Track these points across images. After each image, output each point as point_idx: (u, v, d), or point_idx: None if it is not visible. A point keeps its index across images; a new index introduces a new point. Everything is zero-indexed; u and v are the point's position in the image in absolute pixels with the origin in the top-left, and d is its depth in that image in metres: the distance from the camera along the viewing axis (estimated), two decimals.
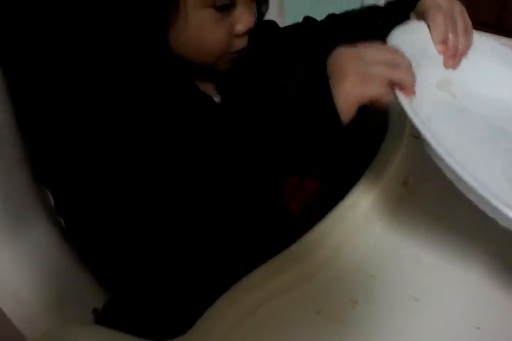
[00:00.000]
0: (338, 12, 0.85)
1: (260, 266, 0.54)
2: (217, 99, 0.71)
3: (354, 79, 0.53)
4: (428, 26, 0.68)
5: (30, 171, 0.61)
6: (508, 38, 0.92)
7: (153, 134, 0.54)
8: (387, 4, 0.80)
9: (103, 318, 0.62)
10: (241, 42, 0.66)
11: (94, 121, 0.54)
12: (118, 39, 0.57)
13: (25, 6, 0.57)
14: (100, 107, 0.55)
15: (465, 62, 0.69)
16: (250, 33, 0.66)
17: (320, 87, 0.53)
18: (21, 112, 0.59)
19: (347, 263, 0.57)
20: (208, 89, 0.70)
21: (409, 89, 0.54)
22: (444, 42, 0.67)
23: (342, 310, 0.53)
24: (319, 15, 0.85)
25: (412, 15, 0.73)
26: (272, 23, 0.84)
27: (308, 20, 0.85)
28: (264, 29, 0.79)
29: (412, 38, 0.64)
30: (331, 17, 0.85)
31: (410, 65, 0.55)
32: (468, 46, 0.68)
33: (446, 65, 0.68)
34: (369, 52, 0.55)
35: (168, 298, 0.60)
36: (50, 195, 0.63)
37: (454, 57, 0.67)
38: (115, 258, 0.61)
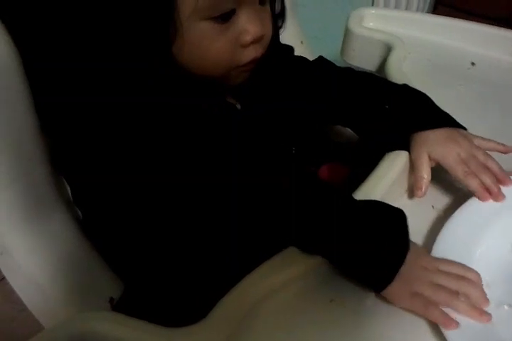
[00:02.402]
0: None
1: (272, 257, 0.55)
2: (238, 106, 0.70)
3: (418, 299, 0.52)
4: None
5: (50, 163, 0.62)
6: None
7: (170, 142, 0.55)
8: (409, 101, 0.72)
9: (120, 307, 0.63)
10: (251, 53, 0.62)
11: (105, 118, 0.55)
12: (127, 58, 0.57)
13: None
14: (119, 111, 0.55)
15: None
16: (265, 42, 0.63)
17: (399, 248, 0.52)
18: (42, 105, 0.60)
19: None
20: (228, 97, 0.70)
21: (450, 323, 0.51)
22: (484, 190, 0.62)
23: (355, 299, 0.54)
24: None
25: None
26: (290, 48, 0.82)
27: (322, 61, 0.82)
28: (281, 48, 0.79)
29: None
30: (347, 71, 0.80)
31: (483, 293, 0.53)
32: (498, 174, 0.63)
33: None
34: (445, 275, 0.53)
35: (183, 286, 0.61)
36: (68, 186, 0.64)
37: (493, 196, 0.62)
38: (131, 248, 0.62)
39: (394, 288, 0.52)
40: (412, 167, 0.66)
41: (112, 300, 0.64)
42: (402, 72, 0.87)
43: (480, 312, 0.52)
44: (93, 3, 0.54)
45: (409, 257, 0.53)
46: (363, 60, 0.99)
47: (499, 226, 0.61)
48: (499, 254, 0.59)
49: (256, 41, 0.61)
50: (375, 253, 0.52)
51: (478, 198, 0.62)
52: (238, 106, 0.71)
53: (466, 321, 0.51)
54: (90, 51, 0.56)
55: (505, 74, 0.93)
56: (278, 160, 0.65)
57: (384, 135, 0.69)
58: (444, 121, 0.68)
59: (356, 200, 0.57)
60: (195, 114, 0.60)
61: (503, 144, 0.67)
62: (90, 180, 0.58)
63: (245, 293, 0.52)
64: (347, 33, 1.03)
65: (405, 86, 0.75)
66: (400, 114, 0.69)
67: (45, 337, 0.48)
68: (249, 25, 0.60)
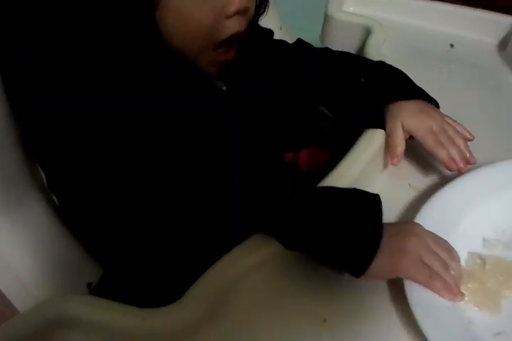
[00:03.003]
0: None
1: (248, 238, 0.55)
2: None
3: (412, 260, 0.52)
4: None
5: (23, 148, 0.61)
6: None
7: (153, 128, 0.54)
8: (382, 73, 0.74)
9: (98, 292, 0.63)
10: (234, 25, 0.61)
11: (98, 116, 0.54)
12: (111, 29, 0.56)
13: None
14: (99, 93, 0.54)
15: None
16: (249, 16, 0.63)
17: (371, 237, 0.52)
18: (12, 92, 0.59)
19: None
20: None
21: (452, 293, 0.52)
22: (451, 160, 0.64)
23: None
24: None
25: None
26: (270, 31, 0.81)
27: (301, 43, 0.82)
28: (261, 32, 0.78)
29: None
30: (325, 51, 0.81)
31: (460, 272, 0.54)
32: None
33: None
34: (435, 243, 0.54)
35: (161, 270, 0.61)
36: (42, 172, 0.64)
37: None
38: (108, 233, 0.61)
39: (390, 263, 0.52)
40: (387, 137, 0.67)
41: (89, 285, 0.63)
42: (381, 55, 0.87)
43: (459, 289, 0.53)
44: None
45: (404, 227, 0.55)
46: (343, 44, 0.99)
47: (476, 213, 0.61)
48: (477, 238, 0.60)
49: (240, 13, 0.61)
50: (349, 241, 0.52)
51: (446, 167, 0.64)
52: (224, 88, 0.71)
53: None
54: (91, 47, 0.55)
55: (484, 55, 0.94)
56: (269, 154, 0.66)
57: (360, 111, 0.69)
58: (417, 93, 0.69)
59: (329, 189, 0.57)
60: (195, 113, 0.60)
61: (469, 132, 0.68)
62: (64, 163, 0.57)
63: (220, 274, 0.52)
64: (326, 17, 1.03)
65: (381, 62, 0.76)
66: (375, 87, 0.70)
67: (21, 320, 0.48)
68: None
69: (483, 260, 0.57)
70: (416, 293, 0.51)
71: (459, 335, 0.50)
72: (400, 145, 0.66)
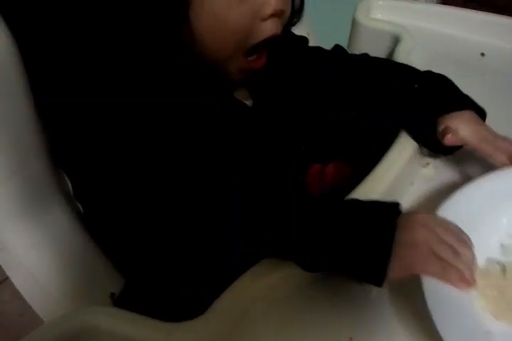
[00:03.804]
0: None
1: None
2: (248, 102, 0.69)
3: (422, 254, 0.51)
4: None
5: (49, 156, 0.61)
6: None
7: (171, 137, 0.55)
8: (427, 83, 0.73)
9: (120, 303, 0.63)
10: (269, 28, 0.60)
11: (109, 116, 0.54)
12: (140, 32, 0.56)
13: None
14: (120, 101, 0.54)
15: None
16: (284, 19, 0.62)
17: (383, 240, 0.50)
18: (45, 104, 0.59)
19: None
20: (241, 92, 0.69)
21: (466, 283, 0.51)
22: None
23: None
24: None
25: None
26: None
27: (338, 49, 0.81)
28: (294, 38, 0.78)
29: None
30: (364, 58, 0.80)
31: (474, 257, 0.53)
32: None
33: None
34: (445, 231, 0.52)
35: (183, 281, 0.61)
36: (68, 181, 0.64)
37: None
38: (132, 243, 0.61)
39: (403, 258, 0.50)
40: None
41: (113, 295, 0.63)
42: (410, 63, 0.85)
43: (471, 277, 0.51)
44: None
45: (412, 218, 0.53)
46: (371, 51, 0.95)
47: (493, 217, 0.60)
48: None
49: (276, 15, 0.60)
50: (363, 249, 0.51)
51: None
52: (249, 103, 0.69)
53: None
54: (95, 47, 0.55)
55: None
56: (281, 160, 0.64)
57: (416, 118, 0.69)
58: (470, 104, 0.69)
59: (344, 202, 0.56)
60: (198, 113, 0.59)
61: None
62: (91, 177, 0.57)
63: (244, 290, 0.51)
64: (354, 24, 1.01)
65: (429, 72, 0.75)
66: (430, 98, 0.69)
67: (44, 331, 0.48)
68: None
69: (502, 266, 0.55)
70: (434, 300, 0.49)
71: None
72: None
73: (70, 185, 0.64)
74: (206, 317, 0.49)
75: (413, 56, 0.90)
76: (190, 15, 0.56)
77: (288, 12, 0.63)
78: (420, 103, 0.69)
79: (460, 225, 0.54)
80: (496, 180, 0.62)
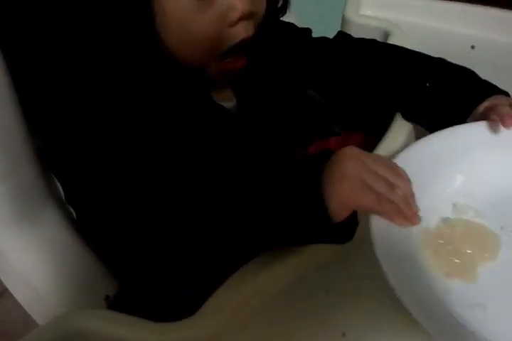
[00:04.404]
0: None
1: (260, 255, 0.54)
2: (232, 103, 0.68)
3: (353, 185, 0.49)
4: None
5: (40, 162, 0.61)
6: None
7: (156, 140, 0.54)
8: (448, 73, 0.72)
9: (116, 305, 0.63)
10: (239, 33, 0.59)
11: (101, 117, 0.54)
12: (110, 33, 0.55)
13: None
14: (105, 105, 0.54)
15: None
16: (257, 20, 0.60)
17: (313, 184, 0.49)
18: (40, 105, 0.59)
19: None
20: (224, 93, 0.68)
21: (404, 217, 0.49)
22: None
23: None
24: None
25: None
26: (291, 25, 0.79)
27: (343, 36, 0.80)
28: (280, 28, 0.76)
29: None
30: (372, 43, 0.79)
31: (411, 191, 0.51)
32: None
33: None
34: (375, 163, 0.50)
35: (177, 283, 0.61)
36: (60, 185, 0.64)
37: None
38: (125, 246, 0.61)
39: (336, 192, 0.49)
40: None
41: (107, 298, 0.63)
42: None
43: (412, 211, 0.49)
44: None
45: (340, 153, 0.51)
46: None
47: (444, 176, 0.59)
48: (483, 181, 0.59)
49: (244, 18, 0.58)
50: (299, 202, 0.49)
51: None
52: (231, 104, 0.69)
53: None
54: (90, 47, 0.55)
55: (506, 56, 0.91)
56: (276, 159, 0.64)
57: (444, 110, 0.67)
58: (496, 90, 0.68)
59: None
60: (195, 113, 0.59)
61: None
62: (85, 180, 0.57)
63: (234, 289, 0.51)
64: (344, 21, 1.02)
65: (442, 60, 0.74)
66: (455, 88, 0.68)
67: (37, 334, 0.48)
68: (234, 0, 0.56)
69: (452, 225, 0.55)
70: (386, 257, 0.47)
71: (435, 308, 0.47)
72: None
73: (61, 189, 0.64)
74: (198, 316, 0.49)
75: None
76: (156, 24, 0.56)
77: (261, 10, 0.62)
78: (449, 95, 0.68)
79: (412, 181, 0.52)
80: (454, 133, 0.62)
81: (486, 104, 0.65)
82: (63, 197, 0.65)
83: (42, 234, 0.61)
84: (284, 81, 0.73)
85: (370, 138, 0.79)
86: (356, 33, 0.99)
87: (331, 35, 1.03)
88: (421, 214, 0.51)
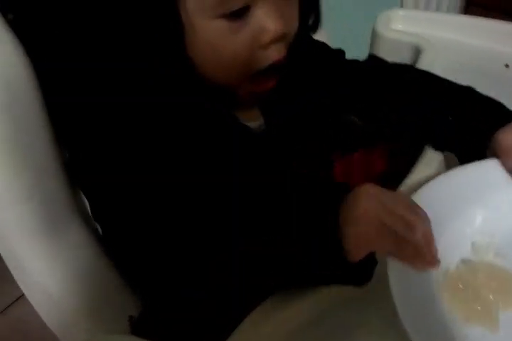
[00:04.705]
0: None
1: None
2: (258, 122, 0.67)
3: (370, 226, 0.47)
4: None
5: (67, 177, 0.61)
6: None
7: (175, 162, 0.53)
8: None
9: (139, 326, 0.62)
10: (272, 55, 0.57)
11: (125, 137, 0.53)
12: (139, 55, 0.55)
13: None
14: (130, 124, 0.53)
15: None
16: (288, 41, 0.58)
17: (330, 224, 0.48)
18: (58, 119, 0.59)
19: None
20: (251, 112, 0.67)
21: (425, 261, 0.47)
22: None
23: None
24: None
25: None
26: (323, 45, 0.77)
27: (375, 60, 0.79)
28: (312, 48, 0.74)
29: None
30: (405, 70, 0.76)
31: (431, 231, 0.48)
32: None
33: None
34: (394, 202, 0.48)
35: (200, 305, 0.59)
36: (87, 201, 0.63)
37: None
38: (150, 266, 0.60)
39: (351, 233, 0.47)
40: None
41: (131, 317, 0.62)
42: None
43: (432, 254, 0.47)
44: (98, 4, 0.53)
45: (357, 191, 0.49)
46: None
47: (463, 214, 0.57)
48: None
49: (277, 40, 0.56)
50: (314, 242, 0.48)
51: None
52: (258, 123, 0.67)
53: None
54: (98, 52, 0.55)
55: None
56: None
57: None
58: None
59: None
60: (201, 114, 0.58)
61: None
62: (108, 194, 0.56)
63: (260, 321, 0.50)
64: (374, 35, 1.00)
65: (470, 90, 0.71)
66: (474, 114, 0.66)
67: None
68: (267, 22, 0.54)
69: (473, 267, 0.53)
70: (403, 302, 0.44)
71: None
72: None
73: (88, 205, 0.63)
74: None
75: (435, 68, 0.87)
76: (186, 42, 0.55)
77: (293, 31, 0.60)
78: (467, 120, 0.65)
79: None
80: (473, 170, 0.60)
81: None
82: (90, 214, 0.63)
83: (67, 250, 0.60)
84: (315, 100, 0.72)
85: (393, 153, 0.78)
86: (387, 48, 0.99)
87: (361, 49, 1.02)
88: (440, 254, 0.48)
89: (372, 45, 1.01)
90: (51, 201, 0.58)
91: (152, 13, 0.52)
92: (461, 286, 0.51)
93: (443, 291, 0.50)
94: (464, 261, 0.54)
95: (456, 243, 0.54)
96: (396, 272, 0.47)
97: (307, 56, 0.71)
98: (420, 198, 0.53)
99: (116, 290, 0.63)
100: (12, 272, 0.60)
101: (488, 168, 0.60)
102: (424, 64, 0.88)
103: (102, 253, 0.64)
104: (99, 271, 0.62)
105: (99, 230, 0.65)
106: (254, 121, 0.67)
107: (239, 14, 0.53)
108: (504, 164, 0.60)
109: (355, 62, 0.78)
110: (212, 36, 0.54)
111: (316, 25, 0.67)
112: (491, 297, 0.50)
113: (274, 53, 0.57)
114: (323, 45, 0.77)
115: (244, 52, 0.56)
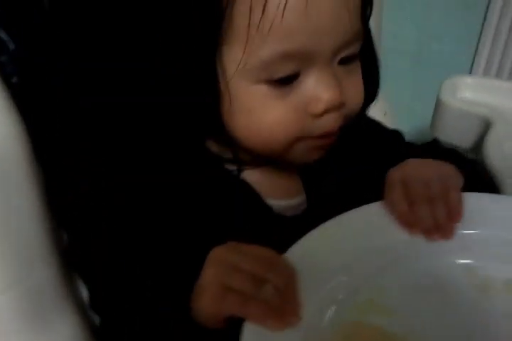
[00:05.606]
0: None
1: None
2: (300, 199, 0.61)
3: (210, 293, 0.43)
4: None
5: (61, 259, 0.55)
6: None
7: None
8: None
9: None
10: (325, 125, 0.51)
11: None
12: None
13: None
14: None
15: None
16: (348, 111, 0.53)
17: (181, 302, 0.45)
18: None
19: None
20: (291, 185, 0.61)
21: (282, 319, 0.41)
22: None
23: None
24: None
25: None
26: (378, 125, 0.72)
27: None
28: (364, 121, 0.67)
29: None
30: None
31: (290, 286, 0.43)
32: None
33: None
34: (244, 259, 0.44)
35: None
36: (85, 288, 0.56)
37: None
38: None
39: (198, 305, 0.44)
40: None
41: None
42: (503, 153, 0.76)
43: (289, 306, 0.42)
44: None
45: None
46: (457, 136, 0.87)
47: None
48: None
49: (331, 110, 0.50)
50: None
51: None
52: (299, 200, 0.60)
53: None
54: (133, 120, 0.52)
55: None
56: None
57: None
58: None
59: None
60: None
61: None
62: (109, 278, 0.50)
63: None
64: (438, 103, 0.91)
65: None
66: None
67: None
68: (319, 90, 0.49)
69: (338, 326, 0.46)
70: None
71: None
72: None
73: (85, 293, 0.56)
74: None
75: (508, 146, 0.78)
76: (224, 116, 0.50)
77: (353, 101, 0.54)
78: None
79: None
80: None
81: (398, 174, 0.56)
82: (86, 303, 0.56)
83: None
84: (356, 179, 0.64)
85: None
86: (453, 119, 0.90)
87: (423, 118, 0.94)
88: (303, 310, 0.42)
89: (435, 113, 0.92)
90: (38, 291, 0.52)
91: (188, 74, 0.49)
92: None
93: None
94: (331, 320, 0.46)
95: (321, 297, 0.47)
96: (251, 335, 0.41)
97: (360, 131, 0.64)
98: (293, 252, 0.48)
99: None
100: None
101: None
102: (494, 139, 0.79)
103: None
104: None
105: (97, 322, 0.57)
106: (293, 197, 0.60)
107: (286, 81, 0.48)
108: (386, 197, 0.55)
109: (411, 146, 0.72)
110: (251, 102, 0.49)
111: (374, 95, 0.61)
112: None
113: (329, 122, 0.51)
114: (378, 123, 0.71)
115: (289, 120, 0.50)
